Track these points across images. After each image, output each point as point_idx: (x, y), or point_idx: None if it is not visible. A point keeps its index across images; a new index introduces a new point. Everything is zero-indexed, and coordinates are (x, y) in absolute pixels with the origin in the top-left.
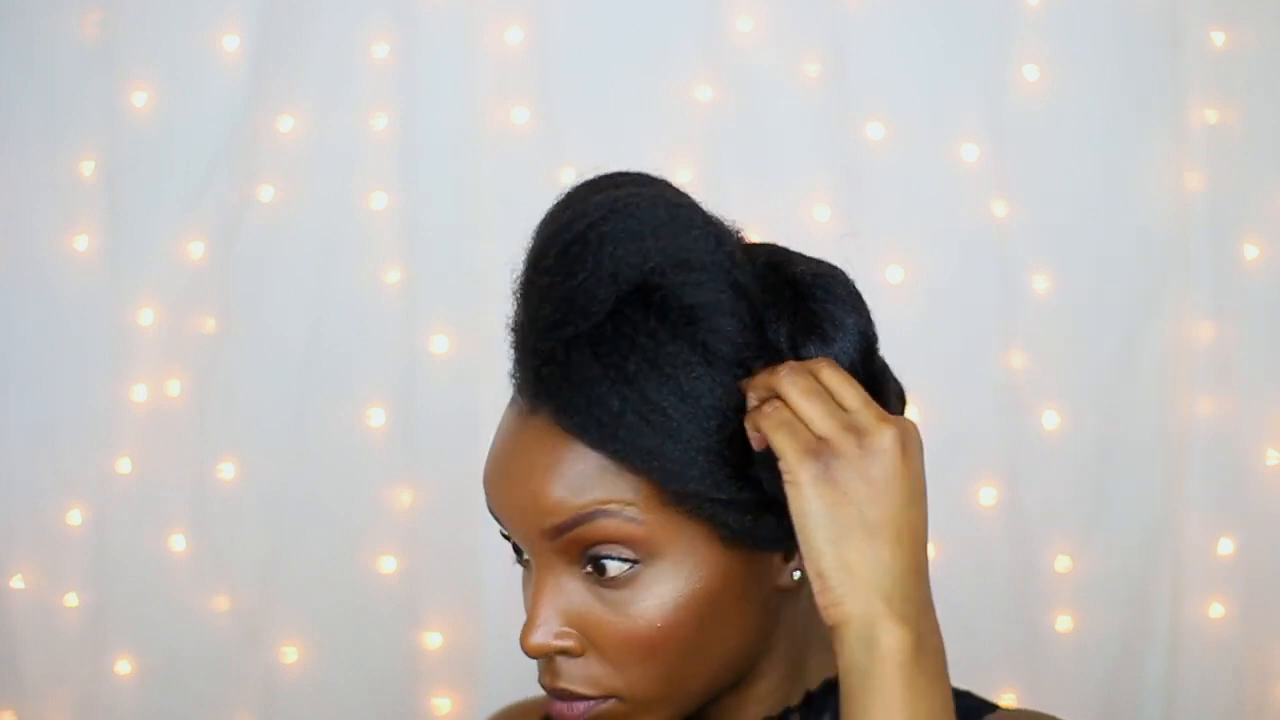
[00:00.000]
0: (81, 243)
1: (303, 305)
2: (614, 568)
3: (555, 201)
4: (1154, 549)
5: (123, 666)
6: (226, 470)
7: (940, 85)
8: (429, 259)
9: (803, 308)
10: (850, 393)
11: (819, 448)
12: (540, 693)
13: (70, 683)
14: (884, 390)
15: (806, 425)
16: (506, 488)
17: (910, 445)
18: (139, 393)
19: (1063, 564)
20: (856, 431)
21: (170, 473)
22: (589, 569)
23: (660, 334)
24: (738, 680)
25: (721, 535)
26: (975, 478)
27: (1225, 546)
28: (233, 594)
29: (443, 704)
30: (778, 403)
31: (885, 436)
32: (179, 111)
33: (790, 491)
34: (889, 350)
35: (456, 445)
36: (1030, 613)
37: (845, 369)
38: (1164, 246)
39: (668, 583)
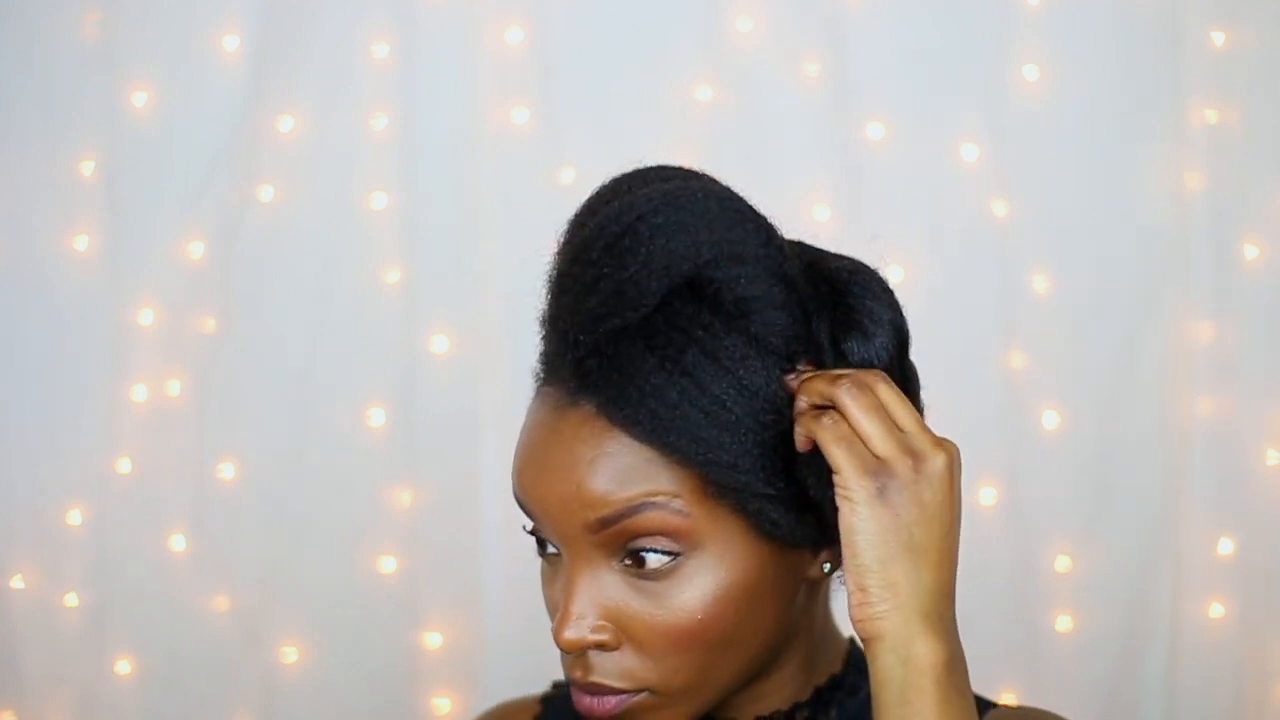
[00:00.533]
0: (81, 243)
1: (303, 305)
2: (654, 560)
3: (593, 194)
4: (1154, 549)
5: (123, 666)
6: (226, 470)
7: (940, 85)
8: (429, 259)
9: (841, 303)
10: (905, 412)
11: (876, 467)
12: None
13: (70, 683)
14: (915, 388)
15: (865, 442)
16: (545, 481)
17: (958, 471)
18: (139, 393)
19: (1063, 564)
20: (913, 455)
21: (170, 473)
22: (628, 561)
23: (715, 326)
24: (760, 672)
25: (762, 529)
26: (975, 478)
27: (1225, 546)
28: (233, 594)
29: (443, 704)
30: (836, 415)
31: (939, 462)
32: (179, 111)
33: (844, 506)
34: None
35: (456, 445)
36: (1030, 613)
37: (884, 366)
38: (1164, 246)
39: (708, 574)
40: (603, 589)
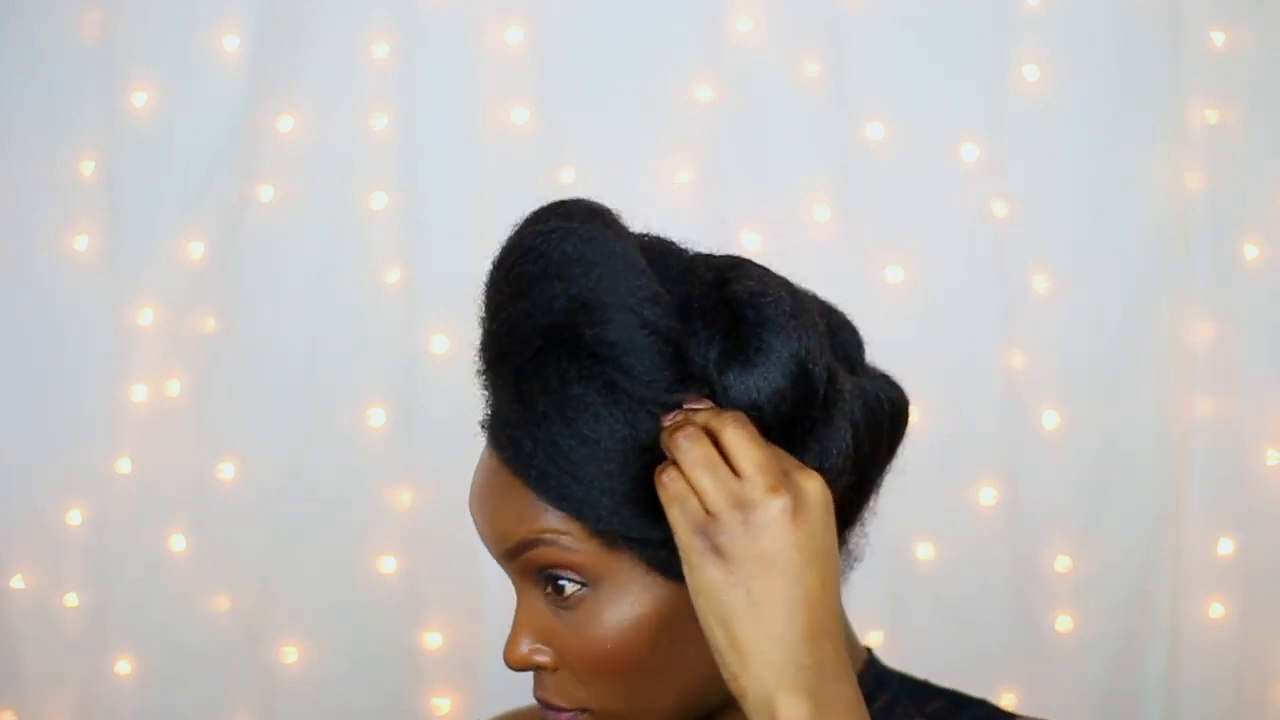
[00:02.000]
0: (81, 243)
1: (303, 305)
2: (570, 588)
3: (512, 230)
4: (1154, 549)
5: (123, 666)
6: (226, 470)
7: (940, 85)
8: (429, 259)
9: (733, 330)
10: (748, 457)
11: (706, 524)
12: (529, 690)
13: (70, 683)
14: (829, 416)
15: (699, 497)
16: (476, 511)
17: (804, 511)
18: (139, 393)
19: (1063, 564)
20: (742, 506)
21: (170, 473)
22: (549, 589)
23: (568, 375)
24: (723, 702)
25: (658, 567)
26: (975, 478)
27: (1225, 546)
28: (233, 594)
29: (443, 704)
30: (674, 471)
31: (771, 509)
32: (179, 111)
33: (684, 567)
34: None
35: (456, 445)
36: (1030, 613)
37: (769, 399)
38: (1164, 246)
39: (614, 607)
40: (538, 614)
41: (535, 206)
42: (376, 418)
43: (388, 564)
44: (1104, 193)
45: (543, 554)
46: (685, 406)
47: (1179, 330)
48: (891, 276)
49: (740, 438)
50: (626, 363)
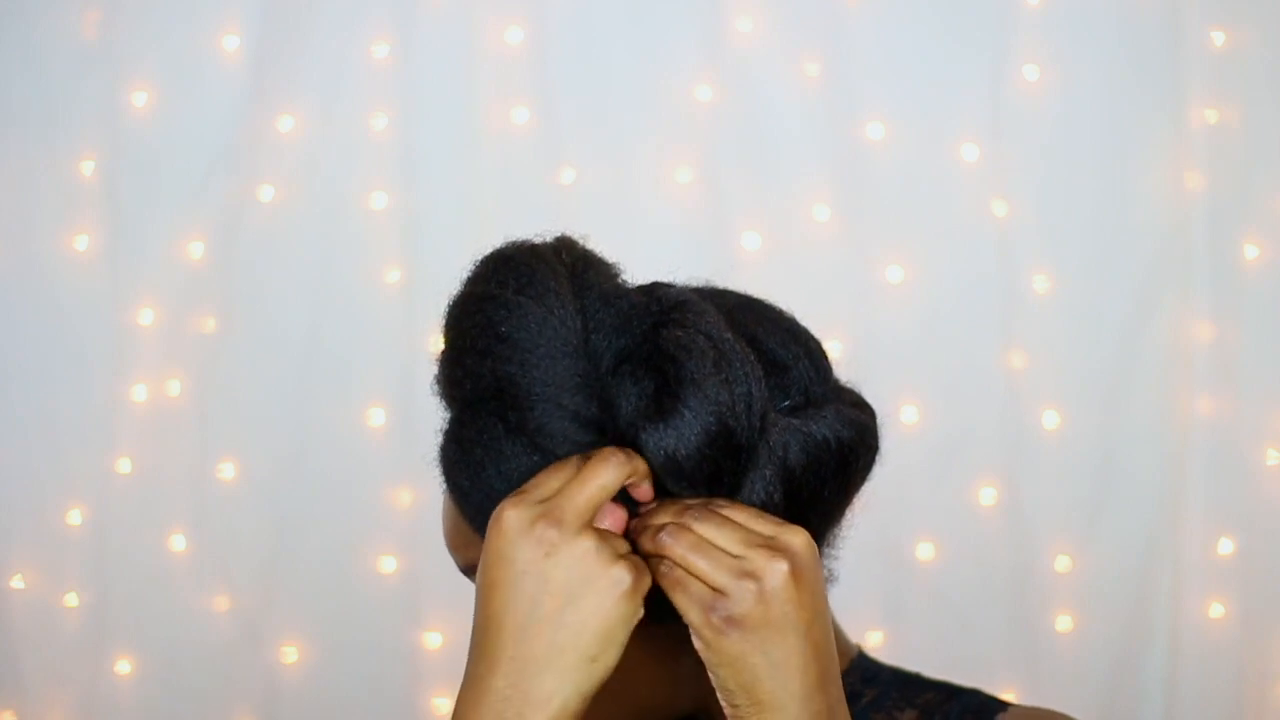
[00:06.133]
0: (81, 243)
1: (303, 305)
2: None
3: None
4: (1154, 549)
5: (123, 666)
6: (226, 470)
7: (940, 85)
8: (429, 259)
9: (656, 385)
10: (731, 536)
11: (715, 600)
12: None
13: (70, 683)
14: (755, 463)
15: (701, 579)
16: (444, 529)
17: (803, 570)
18: (139, 393)
19: (1063, 564)
20: (751, 577)
21: (170, 473)
22: None
23: (497, 433)
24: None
25: None
26: (975, 478)
27: (1225, 546)
28: (233, 594)
29: (443, 704)
30: (669, 562)
31: (777, 576)
32: (179, 111)
33: (697, 643)
34: (888, 351)
35: None
36: (1030, 613)
37: (686, 451)
38: (1164, 246)
39: None
40: None
41: (534, 206)
42: (376, 418)
43: (388, 564)
44: (1104, 193)
45: None
46: (640, 510)
47: (1179, 330)
48: (891, 276)
49: (715, 520)
50: (544, 443)
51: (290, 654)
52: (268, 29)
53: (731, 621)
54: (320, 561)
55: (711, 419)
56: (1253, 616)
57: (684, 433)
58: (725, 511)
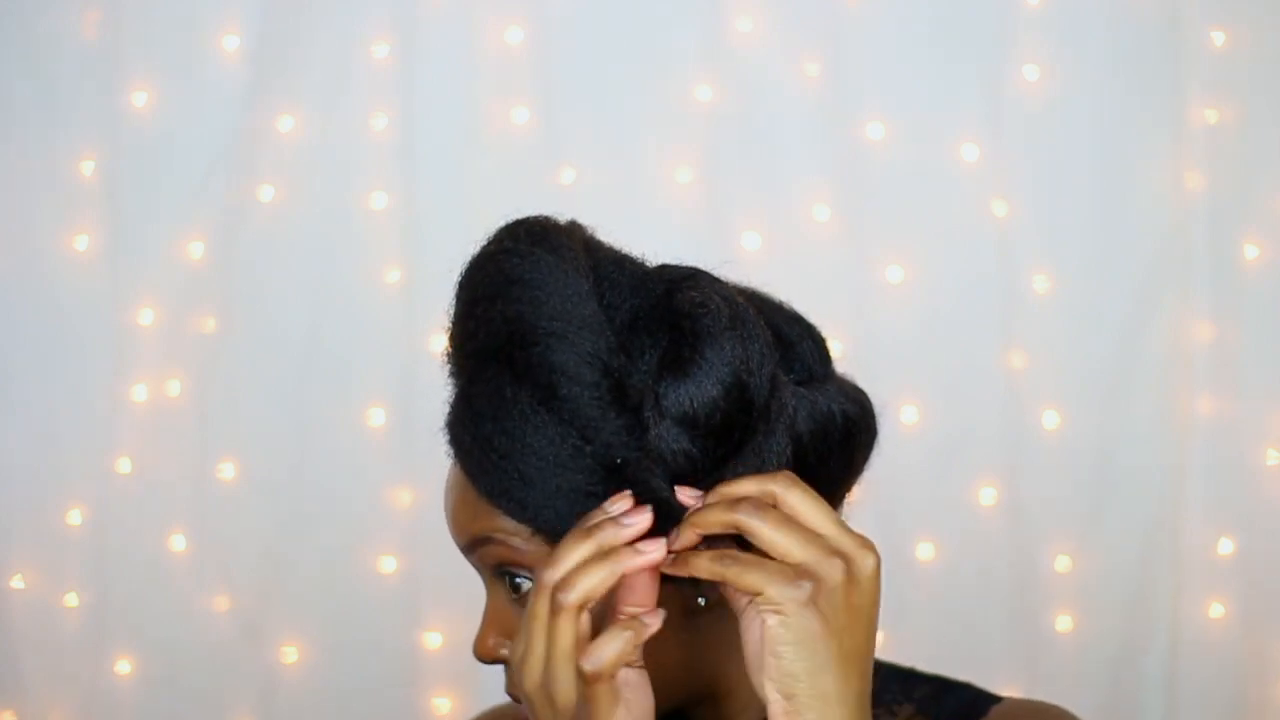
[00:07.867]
0: (81, 243)
1: (303, 305)
2: (525, 585)
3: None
4: (1154, 549)
5: (123, 666)
6: (226, 470)
7: (940, 85)
8: (429, 259)
9: (671, 341)
10: (819, 514)
11: (799, 574)
12: None
13: (70, 683)
14: (769, 426)
15: (782, 557)
16: (444, 505)
17: (879, 569)
18: (139, 393)
19: (1063, 564)
20: (843, 556)
21: (170, 473)
22: (509, 586)
23: (508, 387)
24: (696, 698)
25: None
26: (975, 478)
27: (1225, 546)
28: (233, 594)
29: (443, 704)
30: (728, 553)
31: (870, 562)
32: (179, 111)
33: (769, 619)
34: (888, 351)
35: None
36: (1030, 613)
37: (703, 404)
38: (1164, 246)
39: None
40: (502, 610)
41: (534, 206)
42: (376, 418)
43: (388, 564)
44: (1104, 193)
45: (494, 551)
46: (690, 511)
47: (1179, 330)
48: (891, 276)
49: (804, 495)
50: (557, 382)
51: (290, 654)
52: (268, 29)
53: (816, 600)
54: (320, 561)
55: (728, 370)
56: (1252, 616)
57: (702, 383)
58: (809, 490)
